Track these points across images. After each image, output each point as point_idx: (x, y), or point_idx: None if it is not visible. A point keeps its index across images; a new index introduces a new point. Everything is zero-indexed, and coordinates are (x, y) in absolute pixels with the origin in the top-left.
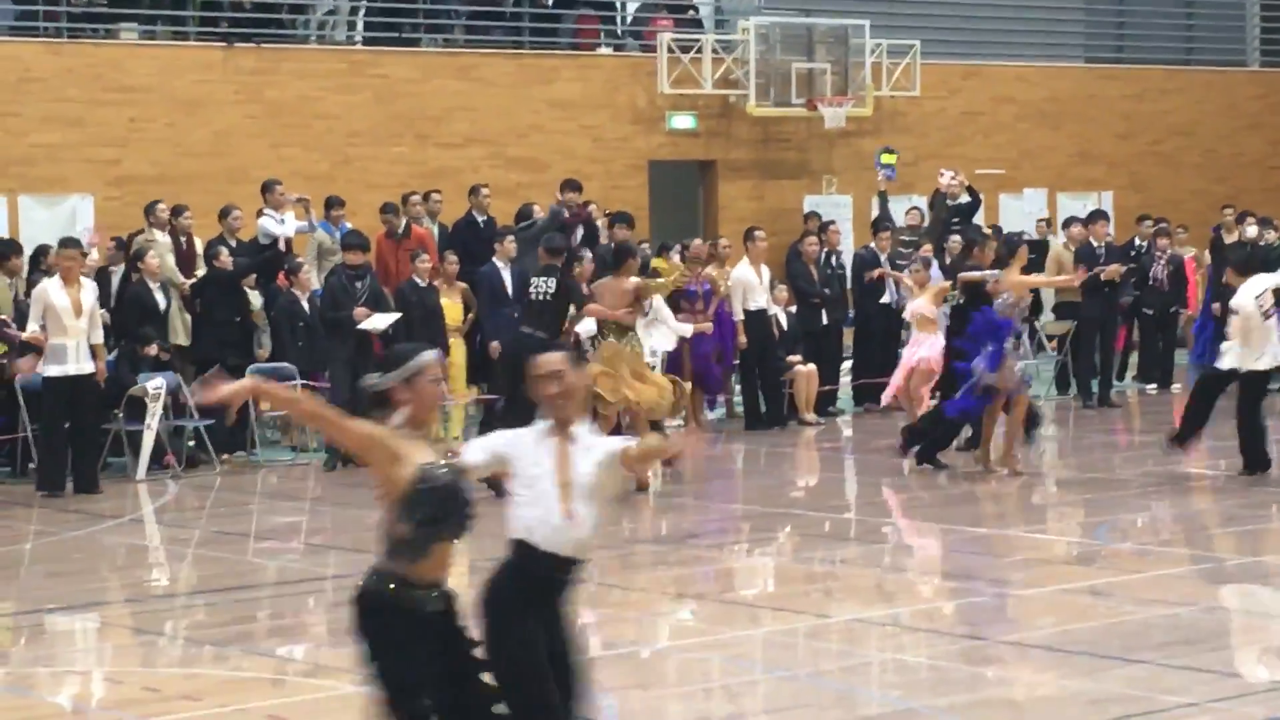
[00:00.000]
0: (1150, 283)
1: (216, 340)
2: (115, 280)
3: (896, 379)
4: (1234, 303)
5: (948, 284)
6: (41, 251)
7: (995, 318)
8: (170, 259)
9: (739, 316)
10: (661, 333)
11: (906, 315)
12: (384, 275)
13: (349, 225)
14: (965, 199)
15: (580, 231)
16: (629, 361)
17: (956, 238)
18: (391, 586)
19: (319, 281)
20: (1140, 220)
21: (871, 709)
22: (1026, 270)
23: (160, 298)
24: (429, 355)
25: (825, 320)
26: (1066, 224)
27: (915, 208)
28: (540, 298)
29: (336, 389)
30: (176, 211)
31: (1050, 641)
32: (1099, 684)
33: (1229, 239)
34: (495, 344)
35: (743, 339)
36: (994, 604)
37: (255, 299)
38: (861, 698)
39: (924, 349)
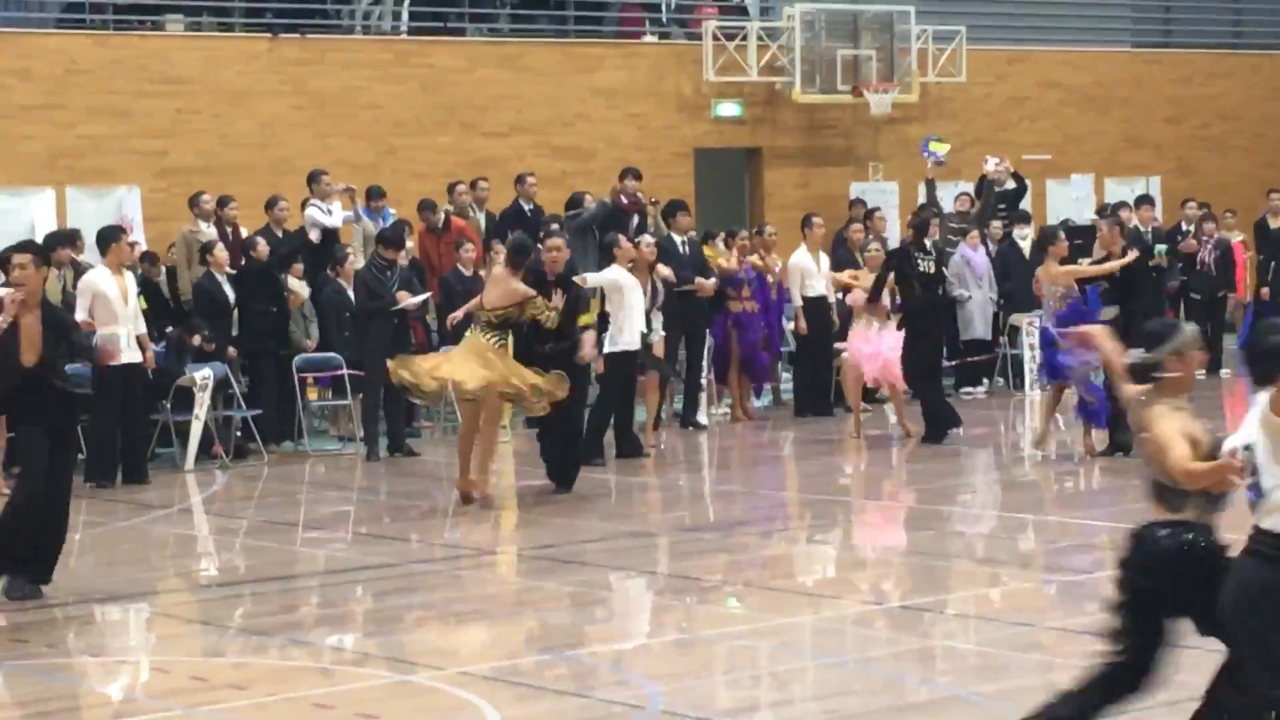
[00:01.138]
0: (1197, 267)
1: (253, 330)
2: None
3: (867, 369)
4: None
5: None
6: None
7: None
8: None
9: (798, 303)
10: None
11: (856, 303)
12: (428, 268)
13: (392, 212)
14: (1011, 185)
15: (635, 220)
16: (482, 353)
17: (997, 223)
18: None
19: None
20: (1185, 204)
21: (920, 695)
22: (1072, 257)
23: (229, 290)
24: (1191, 328)
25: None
26: (1114, 209)
27: (965, 193)
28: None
29: (373, 378)
30: (222, 203)
31: (1098, 627)
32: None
33: (1274, 223)
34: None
35: (802, 324)
36: (1043, 590)
37: (303, 289)
38: (910, 684)
39: (887, 341)
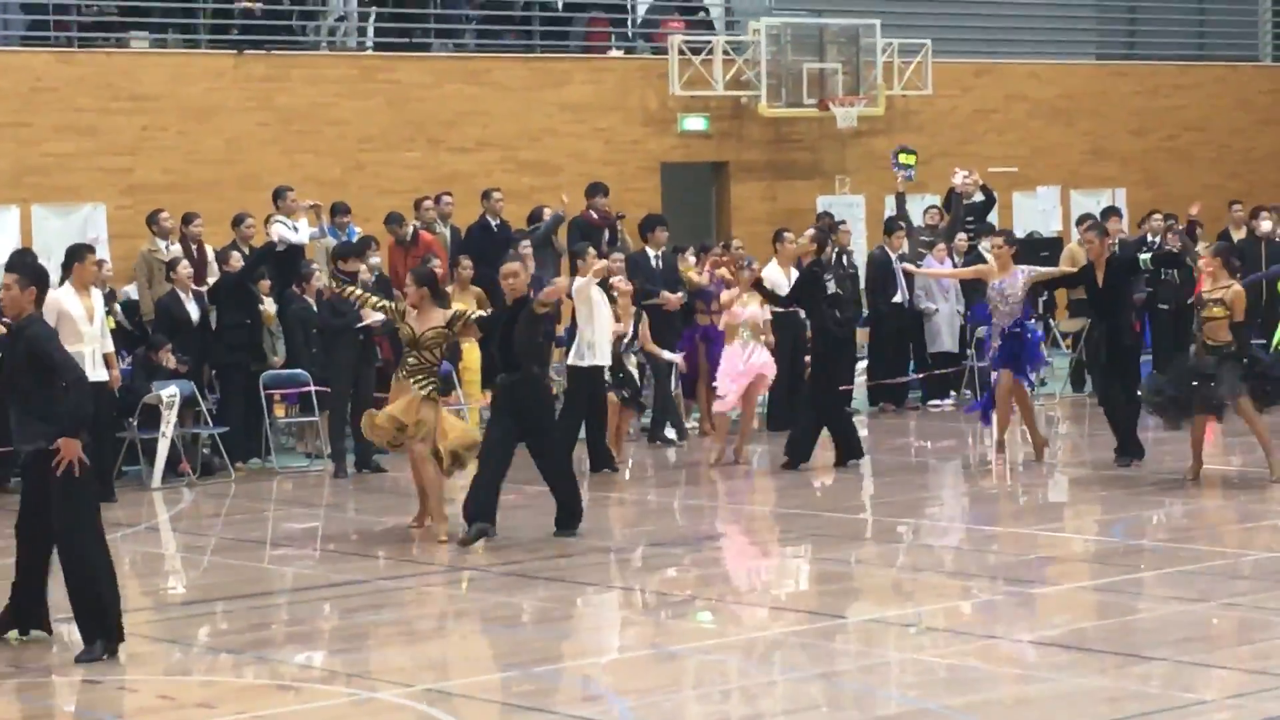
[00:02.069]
0: (1162, 278)
1: (227, 344)
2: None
3: (731, 387)
4: None
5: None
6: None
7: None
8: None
9: (767, 317)
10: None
11: (734, 320)
12: (397, 282)
13: (357, 230)
14: (980, 197)
15: (606, 234)
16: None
17: (963, 236)
18: None
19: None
20: (1151, 215)
21: (889, 709)
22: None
23: (192, 308)
24: None
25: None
26: (1080, 221)
27: (934, 206)
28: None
29: (339, 394)
30: (187, 219)
31: (1067, 640)
32: (1116, 682)
33: (1237, 235)
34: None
35: (771, 338)
36: (1010, 602)
37: (270, 305)
38: (879, 698)
39: (759, 357)
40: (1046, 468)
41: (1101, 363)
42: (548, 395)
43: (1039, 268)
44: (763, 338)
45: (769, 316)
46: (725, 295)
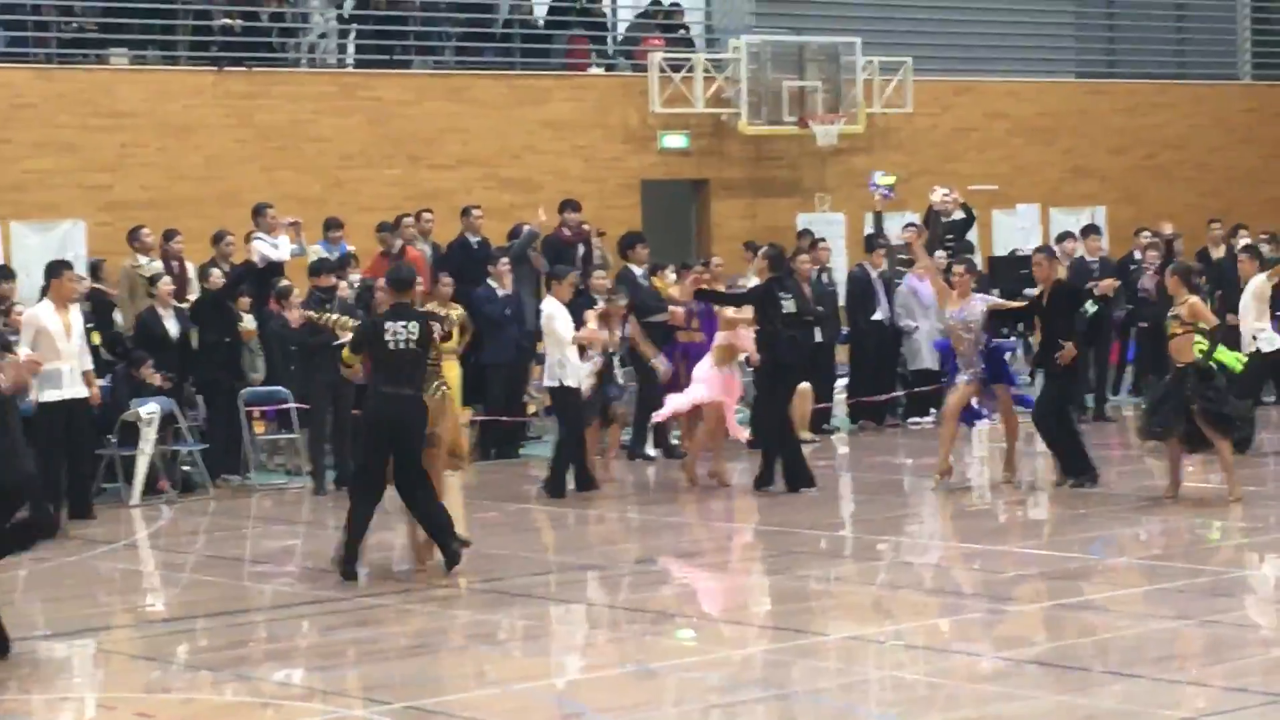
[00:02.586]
0: (1139, 294)
1: (208, 361)
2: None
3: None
4: None
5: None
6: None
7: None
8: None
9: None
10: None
11: (726, 342)
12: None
13: (348, 246)
14: (960, 215)
15: (581, 250)
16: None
17: (942, 254)
18: None
19: None
20: (1139, 233)
21: None
22: (1019, 287)
23: (172, 325)
24: None
25: (819, 338)
26: (1060, 239)
27: (912, 224)
28: (399, 346)
29: (318, 411)
30: (168, 236)
31: (1046, 657)
32: (1095, 699)
33: (1216, 253)
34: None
35: (755, 356)
36: (990, 620)
37: (250, 322)
38: (859, 715)
39: (735, 385)
40: (1023, 486)
41: (1044, 388)
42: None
43: (997, 299)
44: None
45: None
46: (731, 313)
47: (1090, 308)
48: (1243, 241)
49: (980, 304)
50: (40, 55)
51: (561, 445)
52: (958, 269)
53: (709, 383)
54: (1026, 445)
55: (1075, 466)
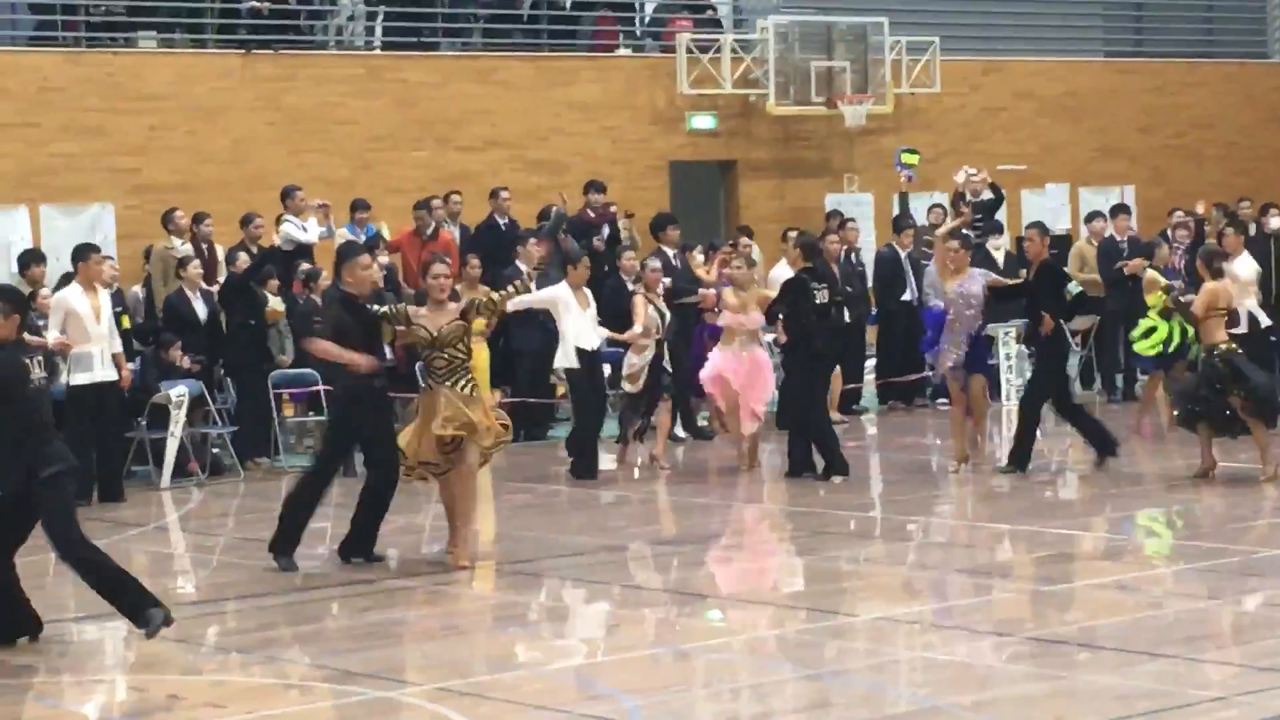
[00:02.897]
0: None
1: (235, 344)
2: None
3: (754, 405)
4: None
5: (767, 292)
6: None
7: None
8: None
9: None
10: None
11: (727, 323)
12: (409, 273)
13: (374, 228)
14: (987, 195)
15: (606, 231)
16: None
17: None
18: None
19: None
20: (1173, 212)
21: (899, 707)
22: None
23: (200, 307)
24: None
25: (848, 318)
26: (1089, 219)
27: (938, 205)
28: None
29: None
30: (197, 219)
31: (1077, 637)
32: (1126, 679)
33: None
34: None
35: (784, 335)
36: (1020, 600)
37: (278, 304)
38: (889, 696)
39: (751, 367)
40: (992, 469)
41: (1033, 374)
42: None
43: (995, 276)
44: (756, 341)
45: (756, 324)
46: (730, 297)
47: (1074, 288)
48: (1273, 221)
49: (980, 279)
50: (68, 39)
51: (574, 426)
52: (951, 244)
53: (720, 368)
54: (1051, 425)
55: (1096, 440)
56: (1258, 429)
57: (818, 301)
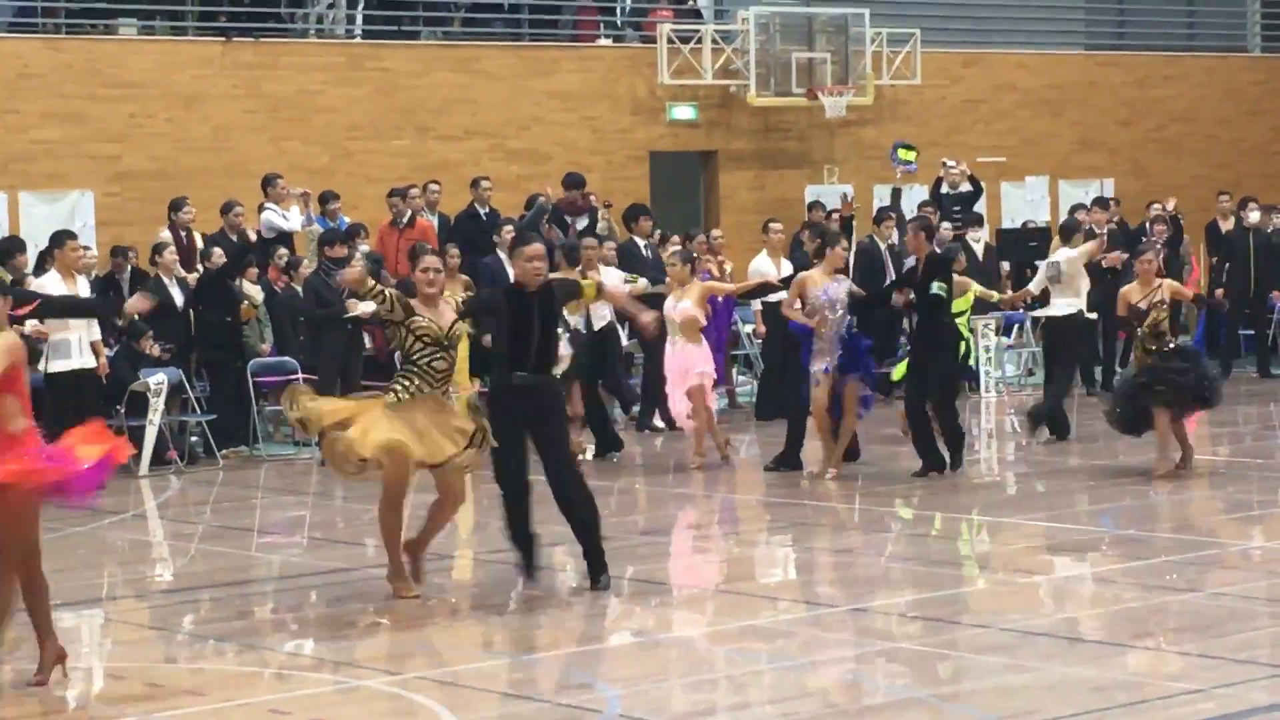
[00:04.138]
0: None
1: (209, 341)
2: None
3: (680, 402)
4: None
5: (710, 283)
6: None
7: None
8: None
9: (756, 307)
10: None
11: (673, 316)
12: (388, 262)
13: (347, 220)
14: (967, 187)
15: (586, 221)
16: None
17: (948, 225)
18: None
19: None
20: (1150, 206)
21: (877, 698)
22: (1028, 259)
23: (177, 293)
24: None
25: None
26: (1072, 211)
27: (926, 203)
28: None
29: (327, 383)
30: (176, 206)
31: (1055, 628)
32: (1104, 671)
33: (1225, 226)
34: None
35: (762, 328)
36: (999, 591)
37: (257, 293)
38: (867, 687)
39: (687, 360)
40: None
41: (918, 367)
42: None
43: (856, 288)
44: (698, 338)
45: (701, 316)
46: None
47: (938, 288)
48: (1252, 215)
49: (846, 282)
50: (48, 25)
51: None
52: (842, 244)
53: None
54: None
55: (922, 453)
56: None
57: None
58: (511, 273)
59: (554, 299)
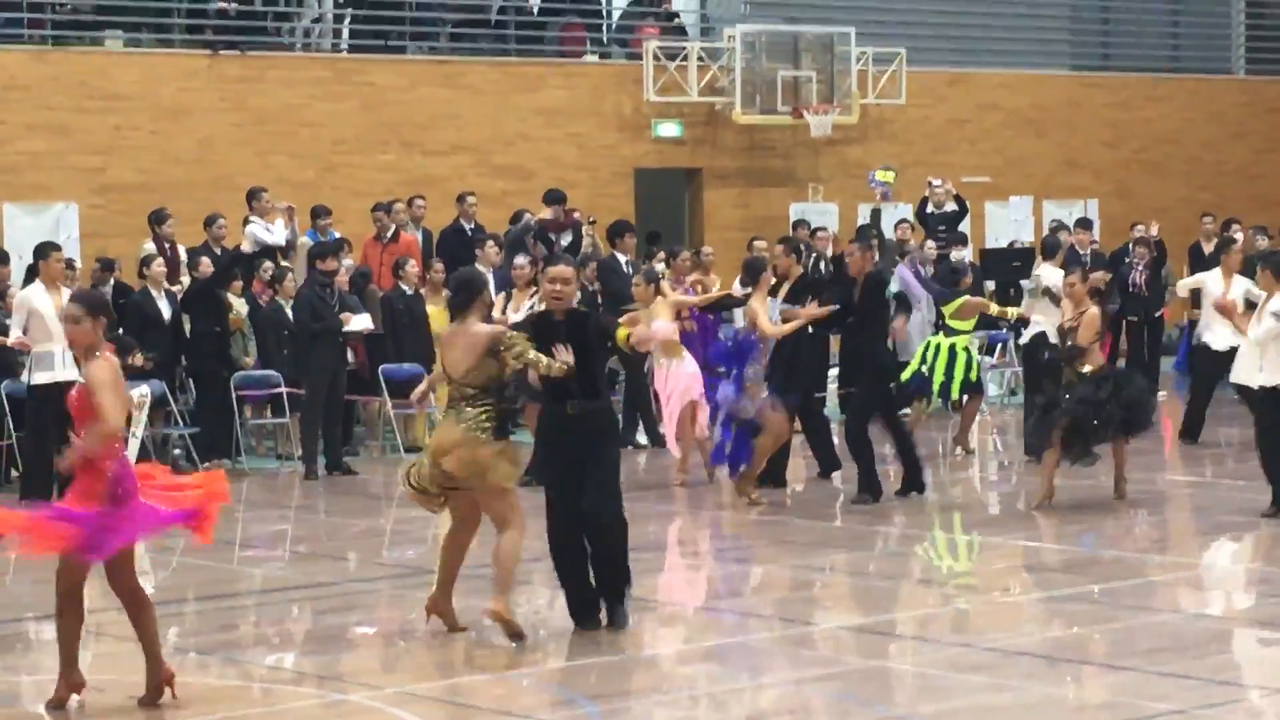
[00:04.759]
0: (1130, 289)
1: (198, 350)
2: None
3: (670, 425)
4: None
5: (676, 297)
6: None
7: (741, 339)
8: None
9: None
10: None
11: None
12: (375, 277)
13: (336, 234)
14: (952, 207)
15: (569, 238)
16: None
17: (932, 244)
18: None
19: None
20: (1134, 226)
21: (860, 717)
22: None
23: (164, 305)
24: None
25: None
26: (1054, 229)
27: (905, 220)
28: None
29: (314, 397)
30: (160, 218)
31: (1037, 648)
32: (1086, 691)
33: (1208, 248)
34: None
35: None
36: (981, 611)
37: (241, 306)
38: (847, 705)
39: (681, 380)
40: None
41: (860, 391)
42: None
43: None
44: (679, 353)
45: (674, 333)
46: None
47: (892, 288)
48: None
49: (772, 304)
50: (34, 37)
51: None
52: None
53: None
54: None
55: (861, 481)
56: (1120, 448)
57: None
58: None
59: (587, 322)
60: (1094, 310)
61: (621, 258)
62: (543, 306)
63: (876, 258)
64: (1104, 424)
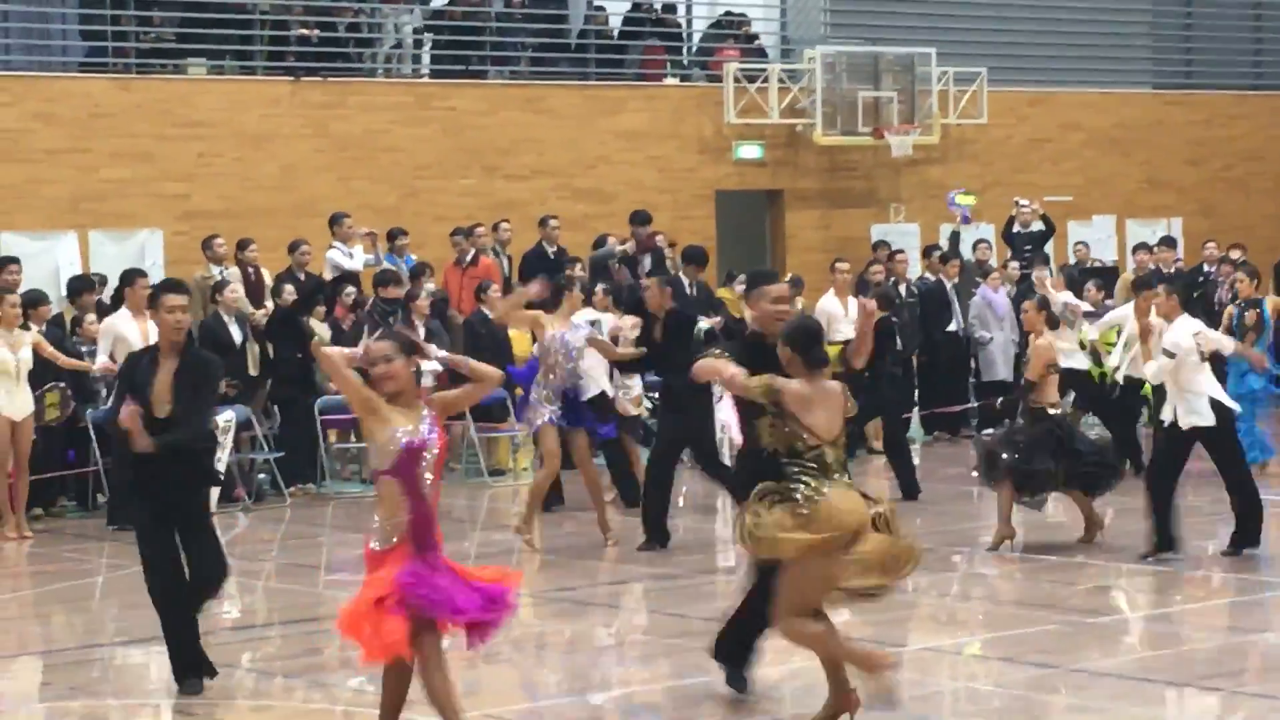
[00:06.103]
0: (1216, 309)
1: (279, 377)
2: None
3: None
4: None
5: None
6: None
7: (532, 359)
8: (240, 290)
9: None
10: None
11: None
12: (454, 302)
13: (414, 258)
14: (1038, 226)
15: (649, 260)
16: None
17: (1016, 264)
18: None
19: None
20: (1206, 244)
21: None
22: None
23: (235, 330)
24: None
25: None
26: (1135, 250)
27: (984, 241)
28: None
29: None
30: (242, 245)
31: (1122, 669)
32: (1172, 712)
33: None
34: None
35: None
36: (1066, 631)
37: (324, 331)
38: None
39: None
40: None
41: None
42: None
43: (606, 342)
44: None
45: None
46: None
47: (703, 326)
48: None
49: (585, 329)
50: (119, 65)
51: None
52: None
53: None
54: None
55: (647, 525)
56: (1081, 498)
57: (897, 348)
58: (749, 316)
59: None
60: (1042, 341)
61: (685, 280)
62: (756, 328)
63: (672, 294)
64: (1049, 475)
